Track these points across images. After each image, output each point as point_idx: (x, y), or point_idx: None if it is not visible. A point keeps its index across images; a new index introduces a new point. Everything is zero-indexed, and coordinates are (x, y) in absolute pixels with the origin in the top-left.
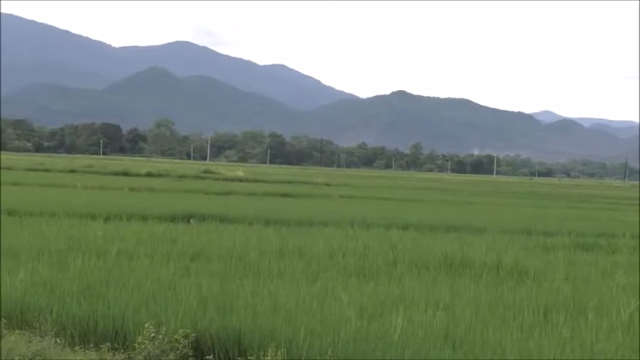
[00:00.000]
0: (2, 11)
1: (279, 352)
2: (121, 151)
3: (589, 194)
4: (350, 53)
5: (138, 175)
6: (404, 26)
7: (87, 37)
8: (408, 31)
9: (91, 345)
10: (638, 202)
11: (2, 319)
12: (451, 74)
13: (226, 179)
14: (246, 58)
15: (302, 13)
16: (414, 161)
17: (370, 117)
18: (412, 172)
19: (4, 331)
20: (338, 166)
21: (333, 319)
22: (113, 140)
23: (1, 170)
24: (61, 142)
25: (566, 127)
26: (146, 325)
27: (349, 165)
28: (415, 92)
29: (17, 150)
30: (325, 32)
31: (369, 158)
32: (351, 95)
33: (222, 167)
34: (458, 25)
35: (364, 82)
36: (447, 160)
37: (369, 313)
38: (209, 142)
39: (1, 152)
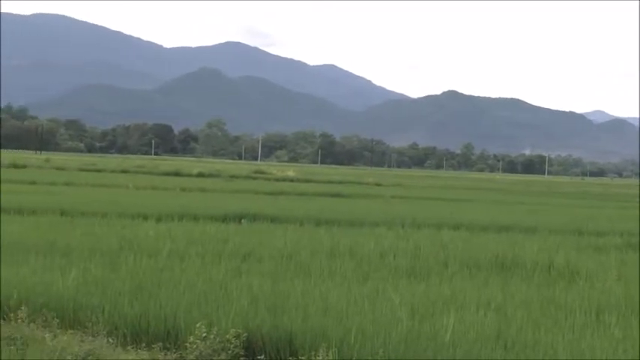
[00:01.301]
0: (55, 12)
1: (330, 353)
2: (173, 151)
3: None
4: (401, 53)
5: (189, 175)
6: (455, 26)
7: (139, 38)
8: (459, 30)
9: (143, 345)
10: None
11: (55, 319)
12: (502, 74)
13: (277, 179)
14: (296, 58)
15: (353, 12)
16: (465, 161)
17: (421, 117)
18: (463, 172)
19: (57, 331)
20: (389, 166)
21: (384, 320)
22: (165, 140)
23: (54, 170)
24: (112, 142)
25: (618, 126)
26: (198, 325)
27: (400, 165)
28: (466, 92)
29: (69, 150)
30: (376, 32)
31: (419, 158)
32: (402, 95)
33: (273, 167)
34: (510, 24)
35: (415, 82)
36: (499, 160)
37: (420, 314)
38: (260, 142)
39: (54, 152)
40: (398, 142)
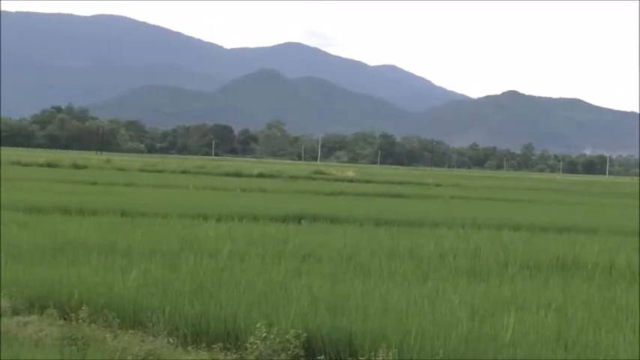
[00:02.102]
0: (116, 13)
1: (390, 353)
2: (233, 152)
3: None
4: (462, 53)
5: (249, 175)
6: (516, 26)
7: (199, 39)
8: (519, 30)
9: (203, 345)
10: None
11: (115, 319)
12: (563, 74)
13: (337, 180)
14: (356, 59)
15: (413, 13)
16: (525, 162)
17: (481, 117)
18: (523, 173)
19: (118, 331)
20: (449, 166)
21: (444, 320)
22: (225, 141)
23: (115, 171)
24: (173, 143)
25: None
26: (258, 325)
27: (460, 165)
28: (526, 92)
29: (130, 151)
30: (437, 32)
31: (480, 159)
32: (463, 95)
33: (333, 168)
34: (571, 24)
35: (475, 83)
36: (559, 161)
37: (480, 314)
38: (320, 142)
39: (115, 153)
40: (458, 142)
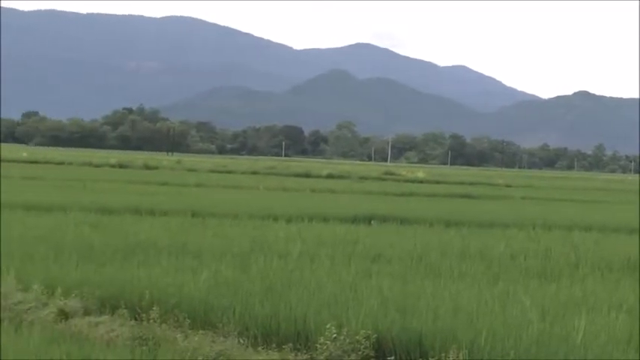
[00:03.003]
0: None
1: (460, 354)
2: (303, 152)
3: None
4: (532, 54)
5: (319, 176)
6: (587, 26)
7: (269, 40)
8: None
9: (274, 345)
10: None
11: (186, 319)
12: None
13: (407, 180)
14: (426, 59)
15: (483, 13)
16: (596, 162)
17: (552, 118)
18: (595, 173)
19: (188, 331)
20: (519, 167)
21: (514, 322)
22: (295, 142)
23: (186, 172)
24: (243, 144)
25: None
26: (328, 326)
27: (531, 166)
28: (597, 92)
29: (200, 152)
30: (507, 32)
31: (550, 159)
32: (533, 96)
33: (403, 168)
34: None
35: (546, 83)
36: (631, 162)
37: (551, 316)
38: (390, 143)
39: (185, 154)
40: (528, 143)
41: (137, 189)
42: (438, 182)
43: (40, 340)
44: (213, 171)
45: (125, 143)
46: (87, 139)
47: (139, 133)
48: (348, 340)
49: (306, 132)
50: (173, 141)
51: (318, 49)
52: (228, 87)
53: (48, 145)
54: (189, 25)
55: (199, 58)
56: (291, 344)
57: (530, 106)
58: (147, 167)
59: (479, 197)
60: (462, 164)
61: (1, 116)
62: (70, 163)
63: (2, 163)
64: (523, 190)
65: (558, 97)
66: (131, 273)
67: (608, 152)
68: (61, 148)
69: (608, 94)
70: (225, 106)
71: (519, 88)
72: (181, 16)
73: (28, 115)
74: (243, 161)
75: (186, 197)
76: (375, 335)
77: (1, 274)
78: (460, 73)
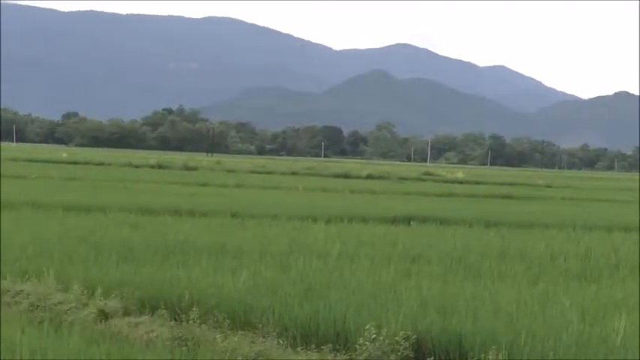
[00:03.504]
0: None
1: (500, 355)
2: (342, 153)
3: None
4: (572, 53)
5: (358, 177)
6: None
7: (308, 41)
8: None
9: (313, 346)
10: None
11: (225, 320)
12: None
13: (446, 181)
14: (466, 59)
15: (522, 13)
16: (637, 163)
17: (592, 118)
18: (635, 174)
19: (228, 332)
20: (559, 167)
21: (554, 323)
22: (334, 142)
23: (225, 172)
24: (282, 144)
25: None
26: (367, 327)
27: (571, 167)
28: (638, 93)
29: (240, 152)
30: (547, 32)
31: (590, 160)
32: (573, 96)
33: (442, 169)
34: None
35: (586, 83)
36: None
37: (591, 317)
38: (429, 144)
39: (225, 155)
40: (568, 143)
41: (177, 190)
42: (477, 183)
43: (80, 341)
44: (252, 172)
45: (165, 144)
46: (126, 139)
47: (178, 133)
48: (387, 341)
49: (346, 132)
50: (212, 141)
51: (358, 50)
52: (267, 87)
53: (88, 146)
54: (230, 26)
55: (239, 59)
56: (330, 345)
57: (570, 106)
58: (186, 168)
59: (518, 198)
60: (502, 165)
61: (43, 117)
62: (110, 164)
63: (43, 164)
64: (563, 191)
65: (598, 98)
66: (171, 273)
67: None
68: (100, 149)
69: None
70: (264, 106)
71: (559, 89)
72: (221, 17)
73: (68, 115)
74: (283, 162)
75: (226, 198)
76: (415, 336)
77: (42, 275)
78: (500, 73)
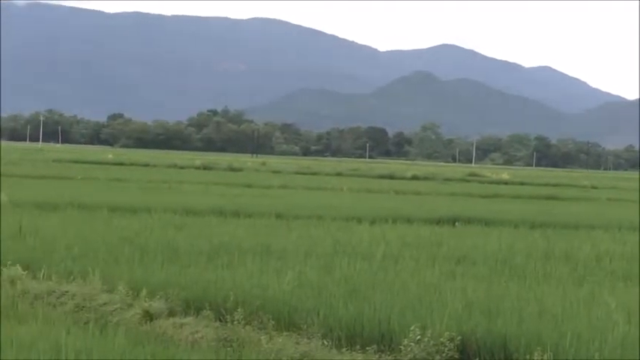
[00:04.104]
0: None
1: (545, 356)
2: (387, 154)
3: None
4: (617, 54)
5: (403, 178)
6: None
7: (353, 42)
8: None
9: (358, 347)
10: None
11: (270, 321)
12: None
13: (491, 182)
14: (511, 60)
15: (567, 13)
16: None
17: (637, 119)
18: None
19: (272, 333)
20: (604, 168)
21: (599, 324)
22: (379, 143)
23: (270, 174)
24: (327, 145)
25: None
26: (412, 328)
27: (616, 167)
28: None
29: (284, 153)
30: (591, 33)
31: (636, 161)
32: (618, 97)
33: (487, 170)
34: None
35: (631, 84)
36: None
37: (637, 318)
38: (474, 145)
39: (269, 156)
40: (614, 144)
41: (221, 191)
42: (522, 184)
43: (125, 342)
44: (297, 173)
45: (210, 145)
46: (171, 140)
47: (223, 134)
48: (432, 342)
49: (390, 133)
50: (257, 143)
51: (403, 51)
52: (312, 89)
53: (133, 147)
54: (275, 27)
55: (284, 60)
56: (375, 346)
57: (616, 107)
58: (231, 169)
59: (564, 199)
60: (547, 166)
61: (89, 118)
62: (155, 165)
63: (89, 165)
64: (608, 192)
65: None
66: (215, 274)
67: None
68: (146, 150)
69: None
70: (309, 107)
71: (604, 89)
72: (267, 18)
73: (113, 117)
74: (327, 163)
75: (271, 199)
76: (460, 337)
77: (87, 276)
78: (545, 74)
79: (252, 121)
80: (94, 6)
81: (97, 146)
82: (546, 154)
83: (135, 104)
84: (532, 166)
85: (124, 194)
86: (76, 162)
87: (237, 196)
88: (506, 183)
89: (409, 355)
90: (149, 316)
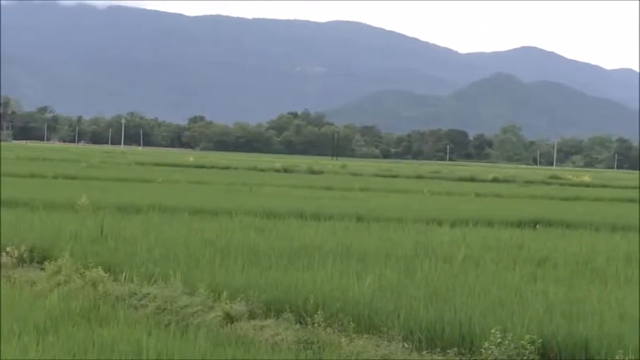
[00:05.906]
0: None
1: (627, 357)
2: (467, 156)
3: None
4: None
5: (484, 180)
6: None
7: (434, 44)
8: None
9: (438, 350)
10: None
11: (350, 323)
12: None
13: (573, 184)
14: (593, 62)
15: None
16: None
17: None
18: None
19: (353, 335)
20: None
21: None
22: (459, 146)
23: (350, 176)
24: (407, 148)
25: None
26: (492, 331)
27: None
28: None
29: (365, 156)
30: None
31: None
32: None
33: (569, 172)
34: None
35: None
36: None
37: None
38: (555, 147)
39: (350, 158)
40: None
41: (302, 193)
42: (604, 186)
43: (206, 344)
44: (377, 175)
45: (290, 147)
46: (252, 143)
47: (303, 137)
48: (512, 345)
49: (471, 136)
50: (338, 145)
51: (483, 53)
52: (393, 91)
53: (214, 150)
54: (355, 30)
55: (365, 63)
56: (455, 348)
57: None
58: (311, 172)
59: None
60: (628, 168)
61: (170, 121)
62: (236, 168)
63: (171, 168)
64: None
65: None
66: (296, 277)
67: None
68: (226, 153)
69: None
70: (390, 109)
71: None
72: (347, 21)
73: (194, 120)
74: (408, 165)
75: (351, 201)
76: (540, 340)
77: (168, 278)
78: (627, 76)
79: (332, 124)
80: (175, 8)
81: (178, 149)
82: (628, 157)
83: (215, 107)
84: (614, 168)
85: (205, 197)
86: (157, 165)
87: (317, 198)
88: (587, 185)
89: (490, 358)
90: (230, 318)
